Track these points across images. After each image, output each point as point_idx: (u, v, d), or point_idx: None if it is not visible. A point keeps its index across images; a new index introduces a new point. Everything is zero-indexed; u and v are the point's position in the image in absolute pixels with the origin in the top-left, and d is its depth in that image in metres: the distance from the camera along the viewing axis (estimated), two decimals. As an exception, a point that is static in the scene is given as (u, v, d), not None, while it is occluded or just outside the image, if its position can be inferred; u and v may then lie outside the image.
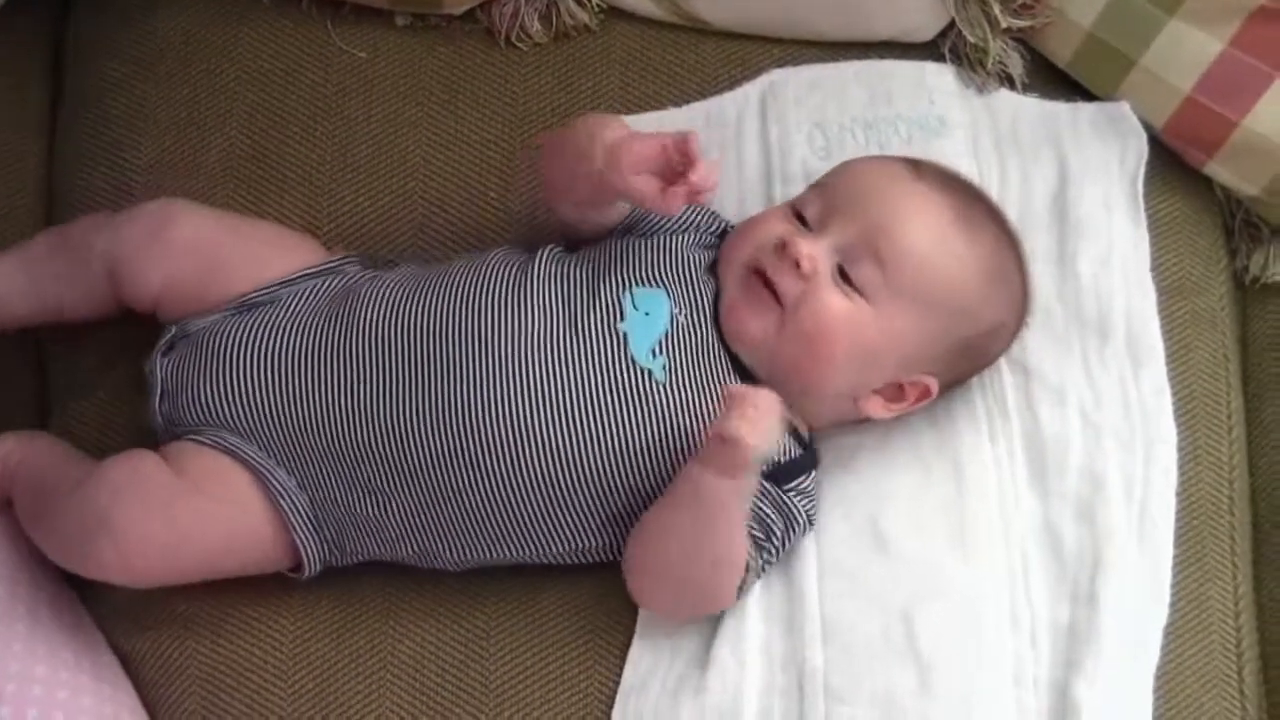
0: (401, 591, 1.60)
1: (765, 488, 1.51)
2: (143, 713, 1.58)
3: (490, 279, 1.55)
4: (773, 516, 1.52)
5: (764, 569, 1.54)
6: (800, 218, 1.54)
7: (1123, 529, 1.59)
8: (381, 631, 1.59)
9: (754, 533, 1.50)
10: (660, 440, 1.50)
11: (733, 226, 1.62)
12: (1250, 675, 1.62)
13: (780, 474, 1.53)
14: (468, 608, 1.60)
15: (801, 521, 1.54)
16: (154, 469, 1.53)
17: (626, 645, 1.57)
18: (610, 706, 1.56)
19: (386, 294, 1.56)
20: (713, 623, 1.56)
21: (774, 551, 1.53)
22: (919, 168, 1.56)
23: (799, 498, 1.54)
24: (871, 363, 1.53)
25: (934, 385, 1.55)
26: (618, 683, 1.57)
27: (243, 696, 1.58)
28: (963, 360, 1.57)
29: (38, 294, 1.66)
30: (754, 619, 1.56)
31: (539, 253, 1.58)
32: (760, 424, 1.42)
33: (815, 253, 1.50)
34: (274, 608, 1.60)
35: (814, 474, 1.56)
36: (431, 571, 1.58)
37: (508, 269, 1.56)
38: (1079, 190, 1.72)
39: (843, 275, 1.51)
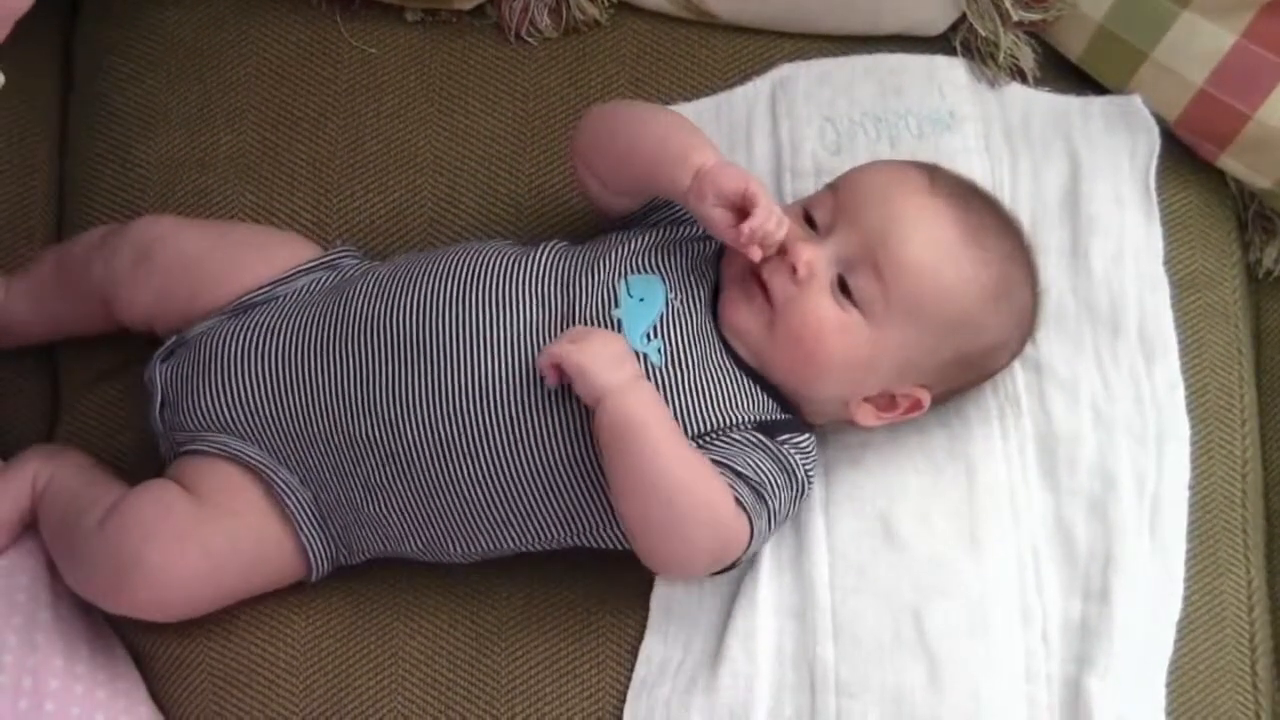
0: (413, 587, 1.61)
1: (757, 439, 1.51)
2: (155, 709, 1.58)
3: (484, 267, 1.54)
4: (766, 465, 1.50)
5: (773, 518, 1.52)
6: (810, 220, 1.54)
7: (1135, 524, 1.59)
8: (393, 628, 1.60)
9: (747, 475, 1.48)
10: None
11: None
12: (1264, 669, 1.62)
13: (770, 428, 1.52)
14: (479, 604, 1.60)
15: (799, 476, 1.52)
16: (178, 500, 1.53)
17: (639, 641, 1.58)
18: (622, 702, 1.56)
19: (378, 284, 1.56)
20: (724, 618, 1.57)
21: (774, 501, 1.51)
22: (934, 177, 1.55)
23: (794, 452, 1.52)
24: (863, 373, 1.52)
25: (926, 398, 1.55)
26: (630, 679, 1.57)
27: (255, 693, 1.58)
28: (959, 374, 1.56)
29: (45, 318, 1.69)
30: (765, 615, 1.56)
31: (540, 245, 1.58)
32: (584, 340, 1.45)
33: (814, 259, 1.50)
34: (285, 605, 1.60)
35: (810, 436, 1.55)
36: (442, 567, 1.59)
37: (502, 258, 1.56)
38: (1091, 184, 1.72)
39: (844, 285, 1.50)
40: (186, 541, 1.51)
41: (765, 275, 1.51)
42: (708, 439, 1.51)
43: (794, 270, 1.49)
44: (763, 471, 1.50)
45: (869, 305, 1.50)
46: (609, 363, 1.45)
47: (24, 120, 1.82)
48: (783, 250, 1.50)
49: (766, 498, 1.50)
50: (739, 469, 1.49)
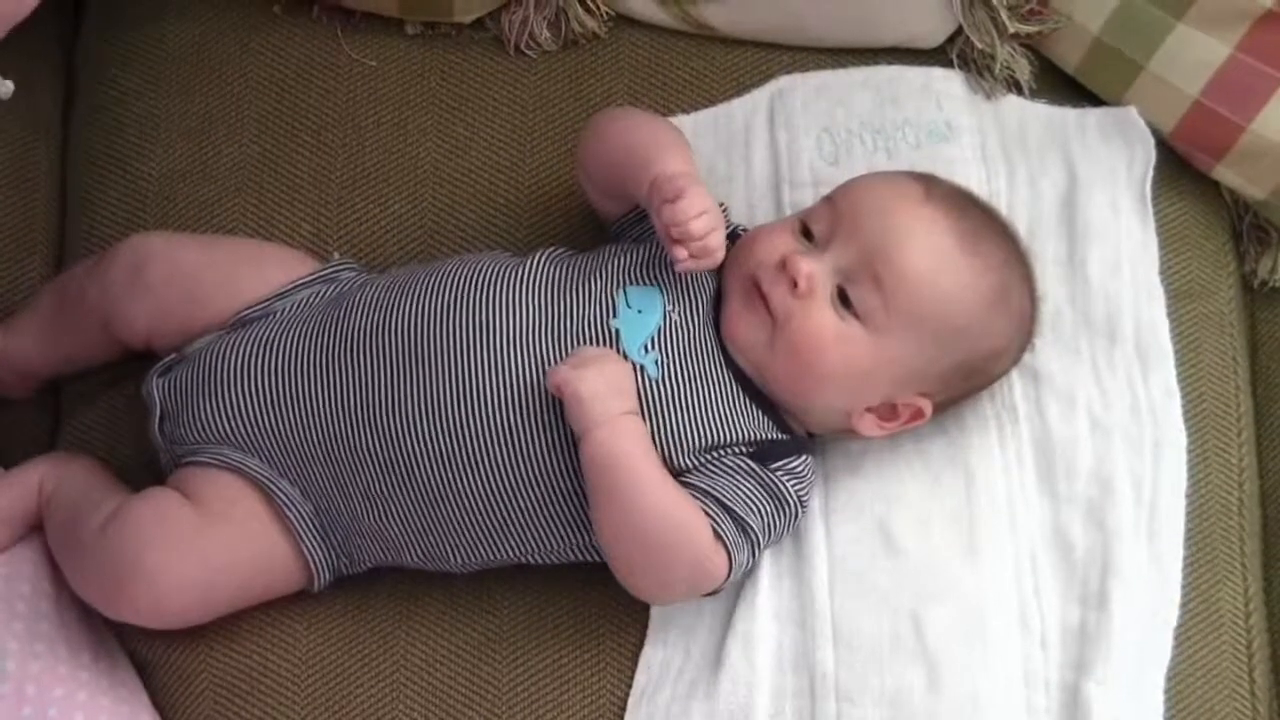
0: (413, 596, 1.61)
1: (749, 466, 1.52)
2: (158, 717, 1.58)
3: (480, 277, 1.55)
4: (755, 494, 1.51)
5: (757, 547, 1.53)
6: (808, 232, 1.55)
7: (1132, 531, 1.60)
8: (393, 635, 1.60)
9: (731, 507, 1.49)
10: (652, 434, 1.50)
11: (743, 228, 1.63)
12: (1261, 676, 1.62)
13: (764, 454, 1.53)
14: (479, 611, 1.60)
15: (791, 502, 1.53)
16: (178, 508, 1.53)
17: (639, 648, 1.58)
18: (622, 709, 1.56)
19: (376, 296, 1.57)
20: (724, 624, 1.57)
21: (762, 531, 1.52)
22: (930, 187, 1.55)
23: (786, 477, 1.53)
24: (864, 383, 1.53)
25: (927, 407, 1.55)
26: (630, 686, 1.57)
27: (256, 701, 1.58)
28: (961, 381, 1.57)
29: (52, 353, 1.68)
30: (765, 620, 1.56)
31: (535, 253, 1.58)
32: (583, 367, 1.45)
33: (814, 272, 1.50)
34: (287, 613, 1.60)
35: (806, 458, 1.56)
36: (442, 575, 1.59)
37: (500, 268, 1.56)
38: (1087, 195, 1.72)
39: (843, 296, 1.51)
40: (185, 550, 1.51)
41: (765, 288, 1.51)
42: (700, 459, 1.51)
43: (794, 284, 1.50)
44: (751, 503, 1.50)
45: (869, 316, 1.50)
46: (606, 394, 1.46)
47: (26, 132, 1.82)
48: (783, 264, 1.51)
49: (750, 530, 1.51)
50: (726, 500, 1.49)
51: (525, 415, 1.50)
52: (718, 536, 1.49)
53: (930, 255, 1.51)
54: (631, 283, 1.55)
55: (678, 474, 1.51)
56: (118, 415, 1.69)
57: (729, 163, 1.74)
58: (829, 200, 1.57)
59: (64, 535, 1.58)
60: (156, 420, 1.59)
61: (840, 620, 1.55)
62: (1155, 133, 1.74)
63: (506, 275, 1.55)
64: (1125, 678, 1.54)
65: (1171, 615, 1.59)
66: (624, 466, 1.46)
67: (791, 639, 1.56)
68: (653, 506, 1.47)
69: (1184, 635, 1.59)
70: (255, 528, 1.54)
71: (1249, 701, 1.60)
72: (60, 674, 1.53)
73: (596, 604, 1.59)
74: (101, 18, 1.86)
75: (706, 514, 1.49)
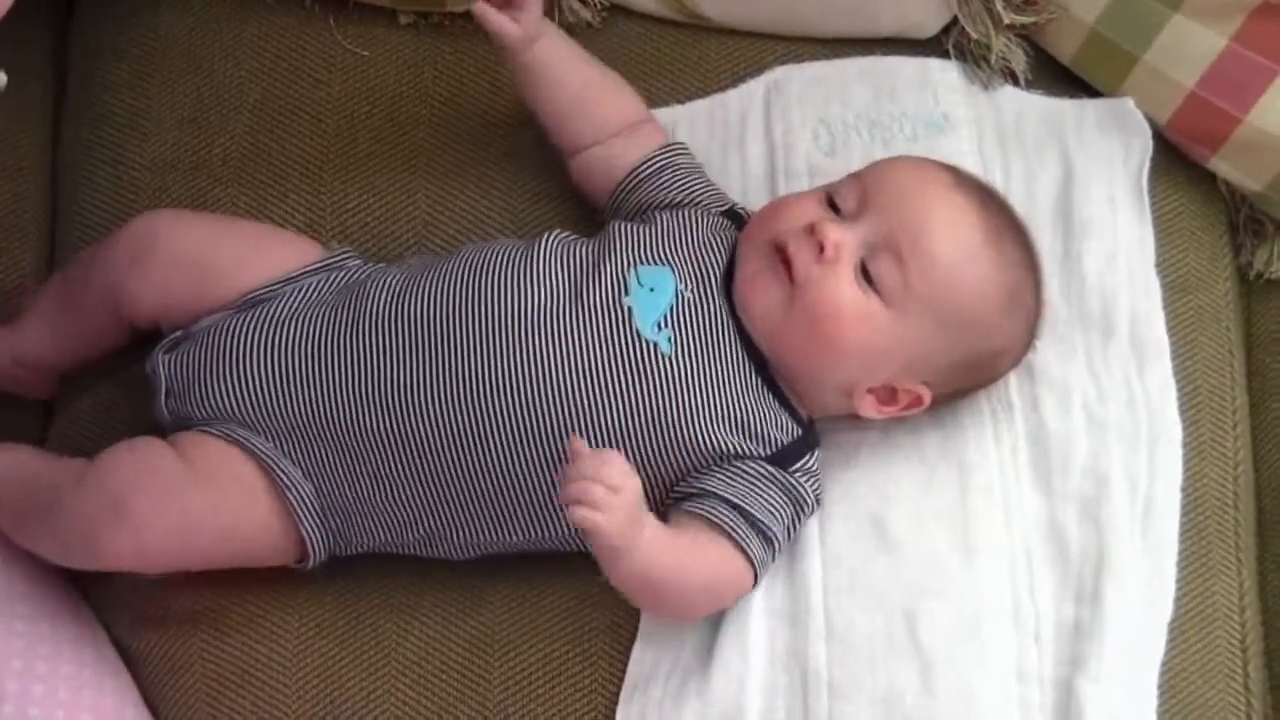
0: (406, 589, 1.61)
1: (770, 472, 1.52)
2: (145, 710, 1.58)
3: (494, 261, 1.55)
4: (779, 500, 1.52)
5: (778, 552, 1.54)
6: (833, 205, 1.54)
7: (1127, 526, 1.59)
8: (385, 629, 1.60)
9: (757, 519, 1.50)
10: (666, 412, 1.50)
11: (742, 207, 1.64)
12: (1255, 671, 1.62)
13: (784, 456, 1.53)
14: (472, 605, 1.60)
15: (810, 503, 1.54)
16: (162, 456, 1.53)
17: (631, 643, 1.58)
18: (614, 704, 1.56)
19: (391, 282, 1.57)
20: (716, 620, 1.56)
21: (784, 536, 1.53)
22: (959, 177, 1.56)
23: (805, 478, 1.54)
24: (873, 361, 1.52)
25: (927, 396, 1.55)
26: (622, 680, 1.57)
27: (247, 694, 1.58)
28: (964, 376, 1.57)
29: (63, 342, 1.68)
30: (757, 616, 1.56)
31: (544, 236, 1.59)
32: (603, 507, 1.40)
33: (842, 240, 1.50)
34: (278, 605, 1.60)
35: (816, 454, 1.56)
36: (435, 568, 1.59)
37: (512, 252, 1.57)
38: (1083, 187, 1.72)
39: (865, 271, 1.51)
40: (166, 497, 1.49)
41: (790, 251, 1.51)
42: (715, 441, 1.51)
43: (821, 249, 1.50)
44: (774, 510, 1.51)
45: (890, 293, 1.50)
46: (626, 522, 1.42)
47: (17, 122, 1.82)
48: (811, 229, 1.50)
49: (774, 540, 1.52)
50: (751, 512, 1.50)
51: (540, 396, 1.50)
52: (746, 557, 1.51)
53: (957, 242, 1.51)
54: (642, 262, 1.55)
55: (702, 464, 1.52)
56: (112, 404, 1.69)
57: (724, 154, 1.73)
58: (857, 176, 1.56)
59: (28, 506, 1.57)
60: (162, 397, 1.59)
61: (833, 617, 1.55)
62: (1151, 124, 1.74)
63: (516, 260, 1.55)
64: (1119, 674, 1.54)
65: (1166, 610, 1.58)
66: (659, 578, 1.48)
67: (784, 636, 1.56)
68: (695, 592, 1.52)
69: (1178, 630, 1.59)
70: (240, 497, 1.53)
71: (1243, 696, 1.60)
72: (40, 671, 1.52)
73: (589, 598, 1.59)
74: (94, 8, 1.85)
75: (733, 537, 1.50)
